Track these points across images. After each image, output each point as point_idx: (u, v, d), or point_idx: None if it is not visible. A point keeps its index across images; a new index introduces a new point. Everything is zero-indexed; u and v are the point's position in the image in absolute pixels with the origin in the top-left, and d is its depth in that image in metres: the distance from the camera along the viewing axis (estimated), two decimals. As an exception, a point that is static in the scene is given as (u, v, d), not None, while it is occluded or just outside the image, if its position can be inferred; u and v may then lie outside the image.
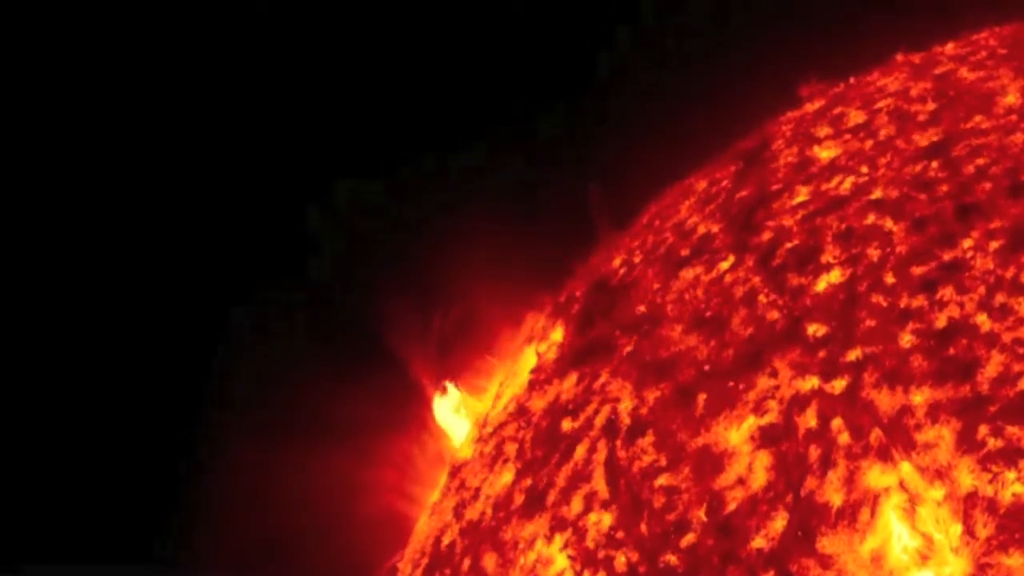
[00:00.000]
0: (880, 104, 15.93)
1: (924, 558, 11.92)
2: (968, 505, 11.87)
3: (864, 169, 14.82)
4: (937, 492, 12.04)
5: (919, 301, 13.06)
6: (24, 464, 22.36)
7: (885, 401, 12.58)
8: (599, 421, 14.45)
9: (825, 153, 15.54)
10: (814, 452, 12.63)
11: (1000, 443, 11.98)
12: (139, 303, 23.47)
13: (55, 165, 23.79)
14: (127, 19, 23.83)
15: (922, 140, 14.86)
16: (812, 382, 13.05)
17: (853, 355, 13.00)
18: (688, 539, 12.90)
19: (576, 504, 13.98)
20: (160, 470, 22.42)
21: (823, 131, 15.97)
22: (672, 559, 12.90)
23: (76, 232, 23.70)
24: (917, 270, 13.31)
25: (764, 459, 12.87)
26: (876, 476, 12.28)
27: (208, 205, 23.63)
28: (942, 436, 12.19)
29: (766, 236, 14.67)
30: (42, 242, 23.52)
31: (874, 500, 12.18)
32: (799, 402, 13.00)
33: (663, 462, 13.52)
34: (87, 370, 23.03)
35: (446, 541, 15.57)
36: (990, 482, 11.86)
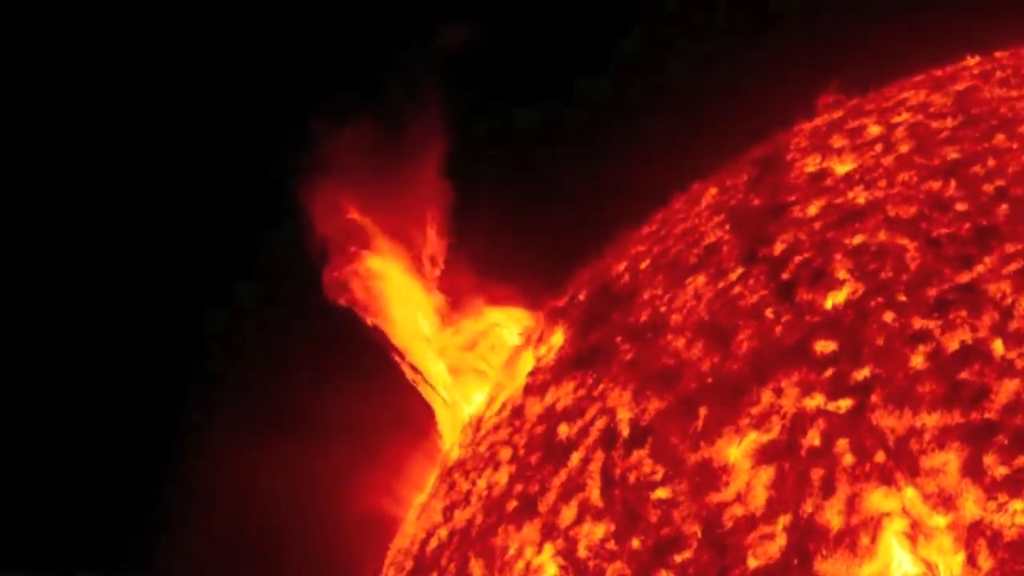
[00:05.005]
0: (899, 118, 15.74)
1: (925, 586, 11.75)
2: (972, 534, 11.68)
3: (880, 184, 14.61)
4: (941, 519, 11.84)
5: (931, 323, 12.84)
6: (4, 466, 22.15)
7: (892, 423, 12.38)
8: (596, 429, 14.25)
9: (840, 166, 15.33)
10: (816, 472, 12.43)
11: (1008, 472, 11.77)
12: (118, 299, 23.25)
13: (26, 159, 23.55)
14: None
15: (941, 157, 14.65)
16: (817, 400, 12.83)
17: (861, 375, 12.78)
18: (682, 555, 12.70)
19: (569, 513, 13.78)
20: (142, 471, 22.23)
21: (839, 143, 15.78)
22: (665, 575, 12.70)
23: (50, 230, 23.46)
24: (930, 291, 13.08)
25: (764, 477, 12.67)
26: (879, 500, 12.08)
27: (186, 200, 23.40)
28: (948, 462, 11.99)
29: (777, 248, 14.45)
30: (15, 241, 23.28)
31: (876, 524, 11.99)
32: (803, 420, 12.78)
33: (660, 475, 13.32)
34: (66, 371, 22.82)
35: (433, 545, 15.39)
36: (996, 511, 11.67)
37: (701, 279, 14.89)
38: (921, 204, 14.07)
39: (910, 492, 11.99)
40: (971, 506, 11.75)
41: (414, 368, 18.43)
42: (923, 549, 11.82)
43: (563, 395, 15.10)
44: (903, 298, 13.17)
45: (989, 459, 11.88)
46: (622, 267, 16.48)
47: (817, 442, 12.59)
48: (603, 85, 24.38)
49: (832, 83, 17.53)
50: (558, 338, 16.33)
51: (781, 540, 12.25)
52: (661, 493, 13.16)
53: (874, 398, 12.58)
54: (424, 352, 18.52)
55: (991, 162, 14.24)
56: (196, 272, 23.12)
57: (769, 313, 13.83)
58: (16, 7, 23.56)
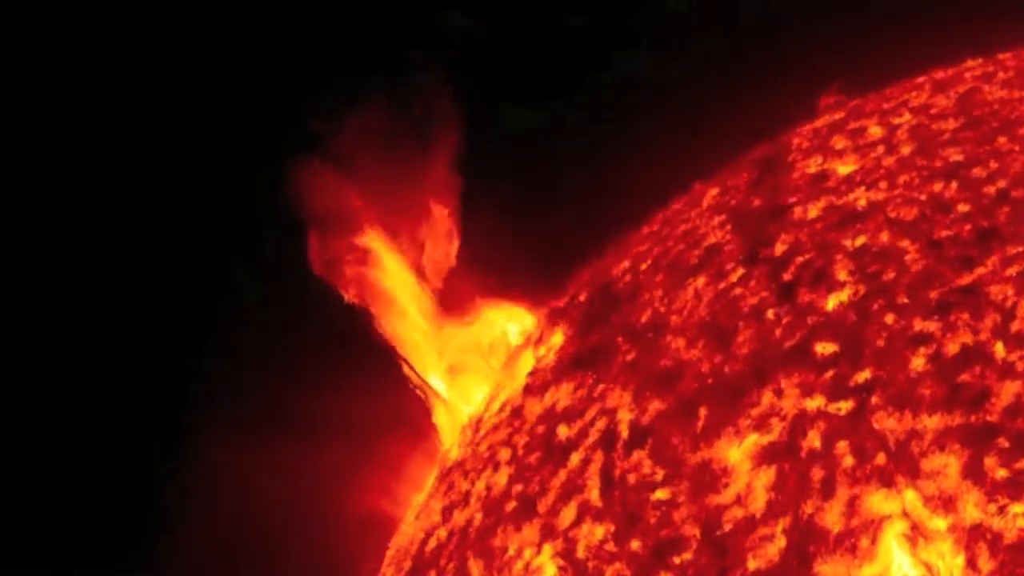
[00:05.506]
0: (900, 120, 15.70)
1: (925, 588, 11.71)
2: (972, 536, 11.64)
3: (881, 186, 14.57)
4: (941, 522, 11.80)
5: (932, 325, 12.79)
6: (4, 466, 22.07)
7: (892, 425, 12.33)
8: (596, 430, 14.20)
9: (842, 167, 15.29)
10: (816, 474, 12.39)
11: (1008, 475, 11.73)
12: (118, 298, 23.16)
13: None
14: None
15: (942, 159, 14.61)
16: (818, 402, 12.79)
17: (862, 376, 12.73)
18: (682, 556, 12.65)
19: (568, 513, 13.73)
20: (142, 471, 22.16)
21: (841, 144, 15.73)
22: (664, 576, 12.68)
23: (49, 230, 23.36)
24: (932, 293, 13.04)
25: (764, 478, 12.62)
26: (879, 502, 12.03)
27: (186, 200, 23.32)
28: (949, 464, 11.95)
29: (778, 249, 14.41)
30: (14, 241, 23.18)
31: (876, 527, 11.94)
32: (804, 422, 12.74)
33: (660, 476, 13.27)
34: (66, 371, 22.73)
35: (431, 545, 15.34)
36: (996, 514, 11.62)
37: (702, 280, 14.84)
38: (922, 206, 14.03)
39: (910, 494, 11.95)
40: (971, 508, 11.71)
41: (413, 368, 18.39)
42: (923, 551, 11.77)
43: (563, 396, 15.05)
44: (904, 300, 13.12)
45: (990, 461, 11.84)
46: (622, 267, 16.43)
47: (817, 444, 12.54)
48: (603, 85, 24.33)
49: (833, 84, 17.51)
50: (558, 338, 16.28)
51: (781, 542, 12.20)
52: (661, 494, 13.12)
53: (875, 400, 12.53)
54: (423, 351, 18.48)
55: (993, 164, 14.20)
56: (196, 272, 23.06)
57: (770, 314, 13.79)
58: (16, 7, 23.52)
